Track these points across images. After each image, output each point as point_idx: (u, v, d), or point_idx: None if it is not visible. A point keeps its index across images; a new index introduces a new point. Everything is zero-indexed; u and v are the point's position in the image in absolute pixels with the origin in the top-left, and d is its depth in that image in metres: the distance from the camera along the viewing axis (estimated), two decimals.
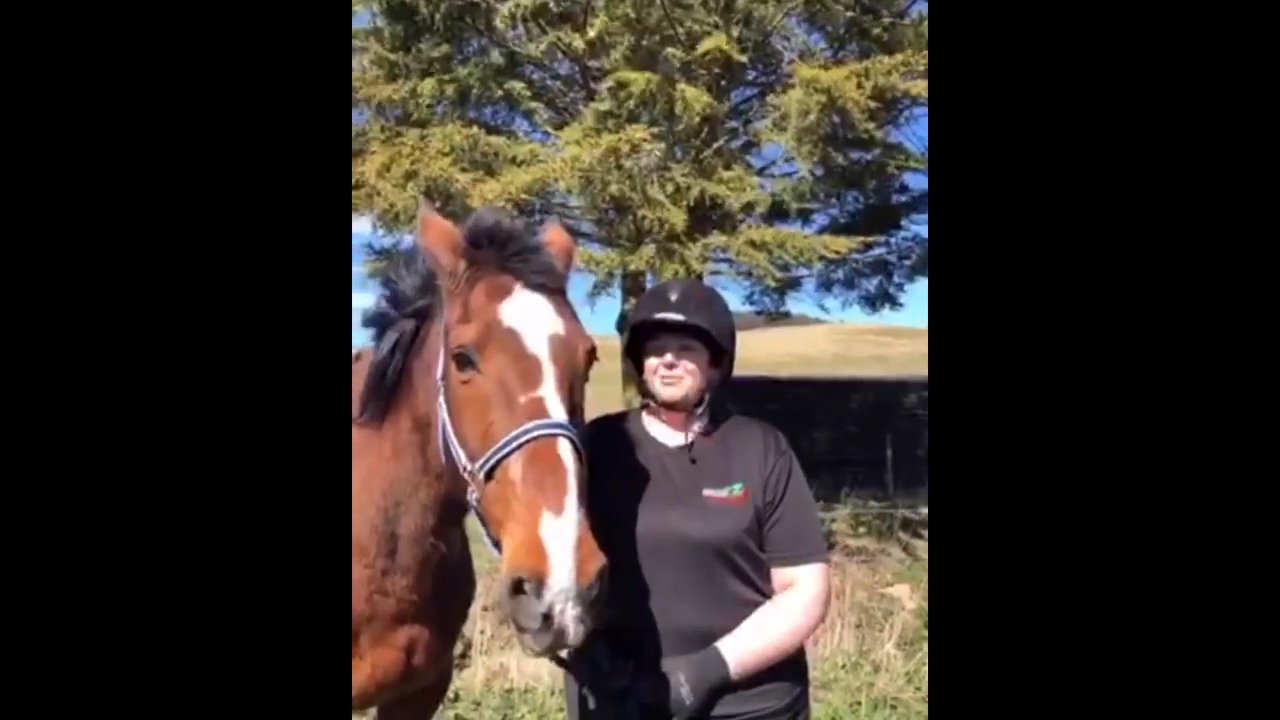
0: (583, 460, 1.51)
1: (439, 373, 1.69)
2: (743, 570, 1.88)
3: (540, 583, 1.35)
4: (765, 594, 1.90)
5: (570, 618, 1.37)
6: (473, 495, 1.57)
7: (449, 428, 1.64)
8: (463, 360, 1.59)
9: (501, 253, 1.69)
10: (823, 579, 1.91)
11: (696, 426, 1.97)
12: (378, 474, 1.87)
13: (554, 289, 1.69)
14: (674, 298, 1.94)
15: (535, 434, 1.49)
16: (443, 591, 2.01)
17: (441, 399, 1.67)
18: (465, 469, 1.58)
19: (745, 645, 1.81)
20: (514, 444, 1.48)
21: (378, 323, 1.93)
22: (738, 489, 1.89)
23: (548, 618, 1.36)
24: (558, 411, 1.53)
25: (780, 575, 1.90)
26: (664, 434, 2.00)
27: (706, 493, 1.89)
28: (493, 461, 1.50)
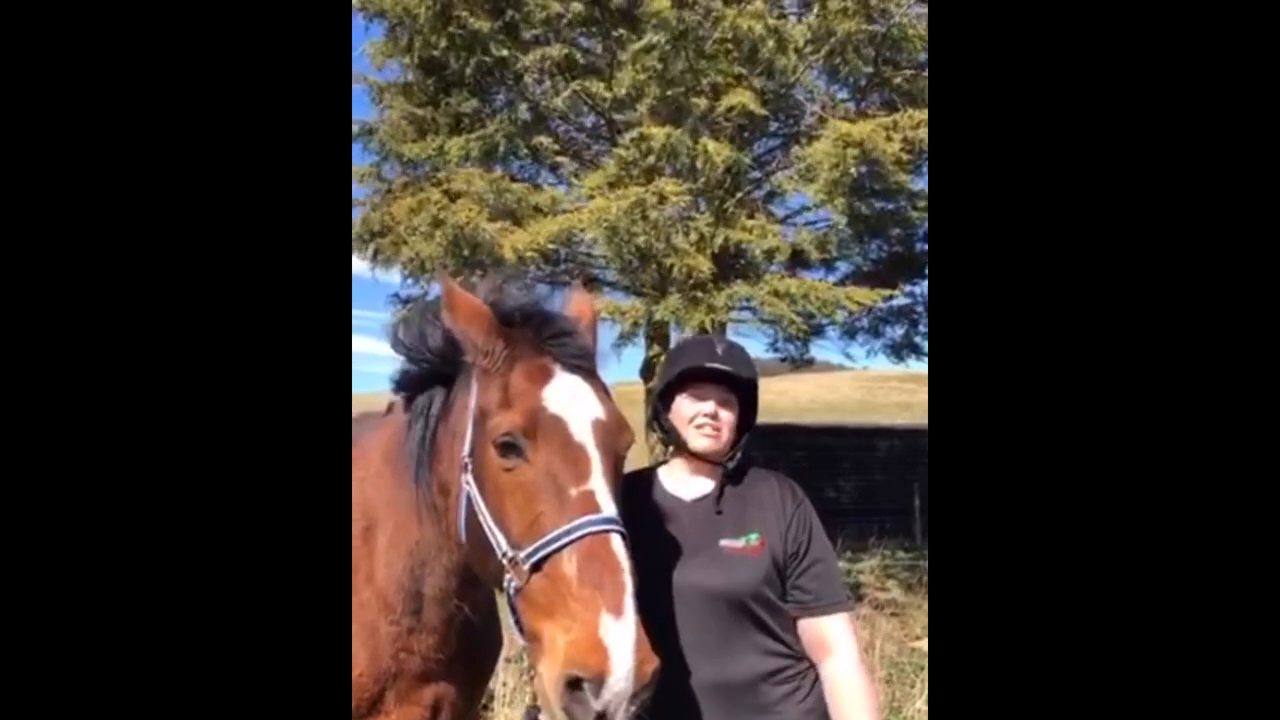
0: (632, 554, 1.51)
1: (465, 449, 1.68)
2: (762, 620, 1.88)
3: (600, 683, 1.37)
4: (785, 644, 1.90)
5: (623, 717, 1.39)
6: (510, 582, 1.55)
7: (482, 508, 1.62)
8: (508, 448, 1.58)
9: (537, 332, 1.69)
10: (852, 629, 1.93)
11: (722, 478, 1.99)
12: (405, 533, 1.87)
13: (591, 371, 1.70)
14: (720, 351, 1.98)
15: (590, 530, 1.49)
16: (469, 651, 1.99)
17: (469, 477, 1.66)
18: (505, 555, 1.56)
19: None
20: (567, 540, 1.49)
21: (405, 382, 1.91)
22: (754, 538, 1.90)
23: (602, 715, 1.38)
24: (608, 505, 1.53)
25: (809, 626, 1.91)
26: (679, 488, 2.01)
27: (723, 543, 1.90)
28: (542, 555, 1.50)
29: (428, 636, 1.89)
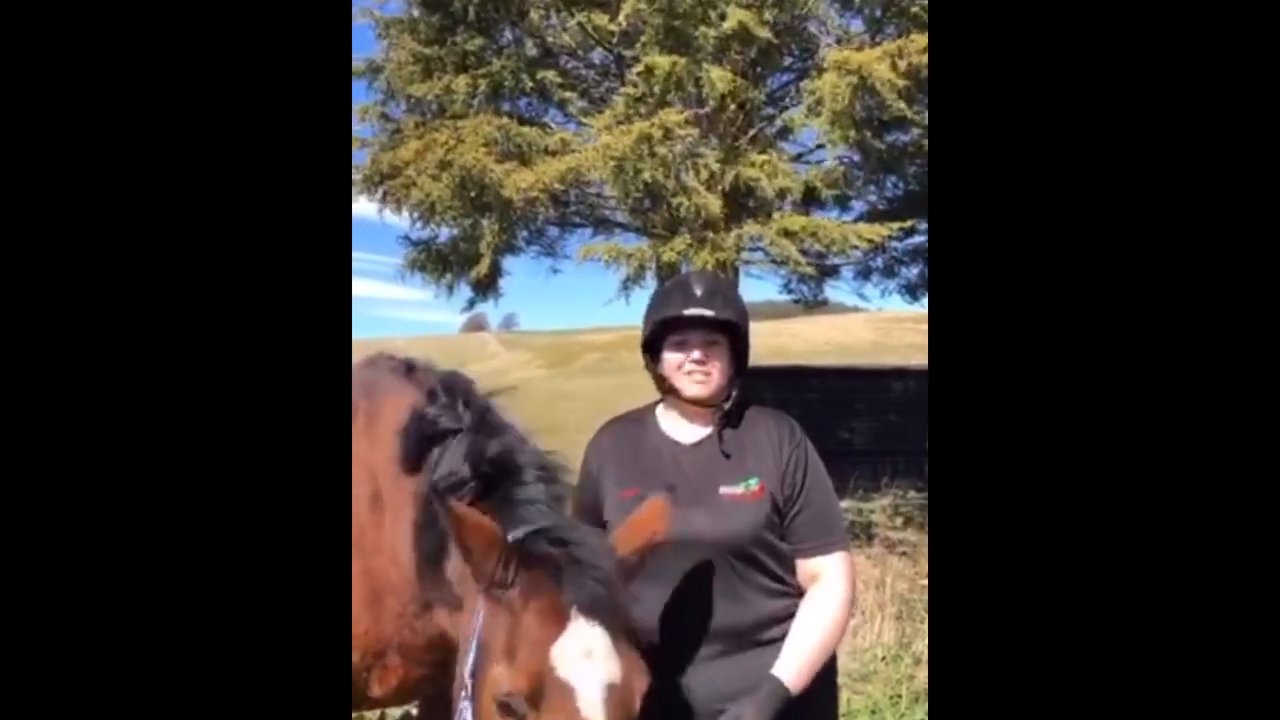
0: None
1: (468, 669, 1.55)
2: (764, 564, 1.87)
3: None
4: (788, 584, 1.89)
5: None
6: None
7: None
8: (507, 709, 1.44)
9: (555, 567, 1.51)
10: (848, 568, 1.91)
11: (720, 421, 1.94)
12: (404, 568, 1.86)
13: (615, 613, 1.50)
14: (699, 292, 1.89)
15: None
16: None
17: (466, 704, 1.54)
18: None
19: (799, 661, 1.79)
20: None
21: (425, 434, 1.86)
22: (754, 484, 1.87)
23: None
24: None
25: (805, 566, 1.90)
26: (678, 431, 1.97)
27: (723, 490, 1.87)
28: None
29: (434, 626, 1.87)
